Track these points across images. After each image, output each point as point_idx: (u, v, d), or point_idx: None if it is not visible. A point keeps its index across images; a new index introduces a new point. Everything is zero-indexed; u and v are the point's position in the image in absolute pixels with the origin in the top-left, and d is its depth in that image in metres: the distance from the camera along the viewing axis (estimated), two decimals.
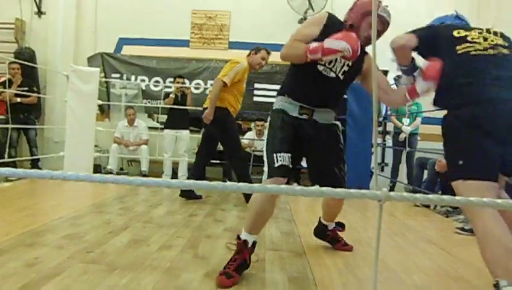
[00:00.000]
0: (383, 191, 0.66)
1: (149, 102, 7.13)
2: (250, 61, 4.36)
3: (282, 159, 2.18)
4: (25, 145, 6.32)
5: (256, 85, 7.11)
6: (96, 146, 6.25)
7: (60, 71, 6.52)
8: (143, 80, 7.17)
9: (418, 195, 0.66)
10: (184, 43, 7.39)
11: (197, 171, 4.59)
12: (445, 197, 0.67)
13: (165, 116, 6.49)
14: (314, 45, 2.12)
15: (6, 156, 5.27)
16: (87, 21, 7.48)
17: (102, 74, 6.95)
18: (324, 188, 0.67)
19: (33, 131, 6.13)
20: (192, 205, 4.15)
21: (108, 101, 7.09)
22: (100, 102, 6.21)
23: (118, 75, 7.25)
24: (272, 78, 7.09)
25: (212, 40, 7.38)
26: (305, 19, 7.27)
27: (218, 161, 6.26)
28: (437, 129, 7.32)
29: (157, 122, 7.10)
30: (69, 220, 3.17)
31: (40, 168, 6.08)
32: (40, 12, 7.42)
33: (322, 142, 2.37)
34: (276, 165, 2.17)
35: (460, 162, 1.85)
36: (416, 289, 2.16)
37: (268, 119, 2.41)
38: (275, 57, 7.11)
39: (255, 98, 7.14)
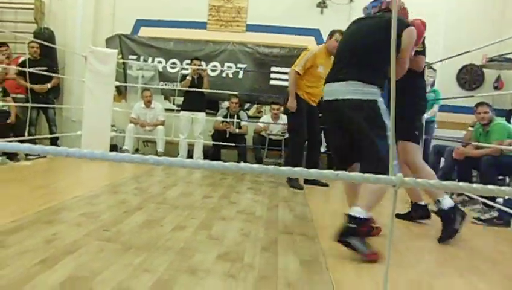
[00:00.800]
0: (398, 176, 0.65)
1: (166, 84, 7.14)
2: (327, 45, 4.59)
3: None
4: (44, 124, 6.41)
5: (273, 68, 7.05)
6: (113, 126, 6.31)
7: (78, 52, 6.56)
8: (160, 62, 7.18)
9: (433, 181, 0.65)
10: (201, 25, 7.34)
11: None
12: (461, 184, 0.66)
13: (182, 98, 6.50)
14: None
15: (26, 134, 5.36)
16: (105, 3, 7.48)
17: (120, 56, 6.97)
18: (339, 172, 0.66)
19: (52, 110, 6.21)
20: (207, 187, 4.18)
21: (125, 82, 7.13)
22: (117, 83, 6.24)
23: (135, 57, 7.26)
24: (289, 62, 7.01)
25: (229, 23, 7.32)
26: (323, 2, 7.15)
27: (233, 144, 6.29)
28: (454, 117, 7.25)
29: (174, 104, 7.13)
30: (85, 199, 3.23)
31: (58, 147, 6.15)
32: None
33: None
34: None
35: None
36: (428, 275, 2.15)
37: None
38: (292, 40, 7.15)
39: (272, 82, 7.09)
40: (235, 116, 6.49)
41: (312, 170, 0.70)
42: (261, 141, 6.50)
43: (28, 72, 5.37)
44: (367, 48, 2.47)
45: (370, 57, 2.44)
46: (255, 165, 0.71)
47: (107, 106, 5.74)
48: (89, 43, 6.68)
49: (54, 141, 6.17)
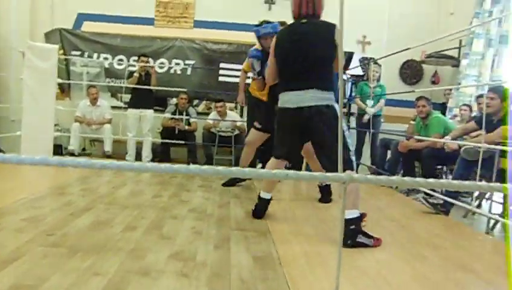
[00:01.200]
0: (347, 173, 0.67)
1: (112, 81, 6.93)
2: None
3: None
4: None
5: (222, 65, 7.02)
6: (56, 125, 6.04)
7: (15, 47, 6.20)
8: (106, 58, 6.94)
9: (381, 177, 0.67)
10: (149, 22, 7.18)
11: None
12: (406, 179, 0.69)
13: (129, 96, 6.34)
14: None
15: None
16: None
17: (61, 51, 6.67)
18: (289, 171, 0.67)
19: None
20: (157, 186, 4.10)
21: (69, 79, 6.84)
22: (60, 80, 5.96)
23: (78, 53, 6.97)
24: (237, 58, 7.02)
25: (177, 19, 7.20)
26: None
27: (182, 142, 6.21)
28: (400, 111, 7.53)
29: (121, 101, 6.92)
30: (28, 203, 3.07)
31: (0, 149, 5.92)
32: None
33: None
34: None
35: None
36: (377, 263, 2.24)
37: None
38: (241, 37, 7.15)
39: (220, 78, 7.07)
40: (184, 113, 6.41)
41: (262, 170, 0.71)
42: (211, 138, 6.46)
43: None
44: (321, 59, 2.76)
45: (324, 67, 2.77)
46: (205, 167, 0.70)
47: (49, 105, 5.45)
48: (26, 38, 6.33)
49: None
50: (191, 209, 3.23)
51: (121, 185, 4.03)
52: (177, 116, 6.36)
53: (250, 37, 7.19)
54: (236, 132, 6.54)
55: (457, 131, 4.33)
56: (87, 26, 7.13)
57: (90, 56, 6.93)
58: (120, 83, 6.71)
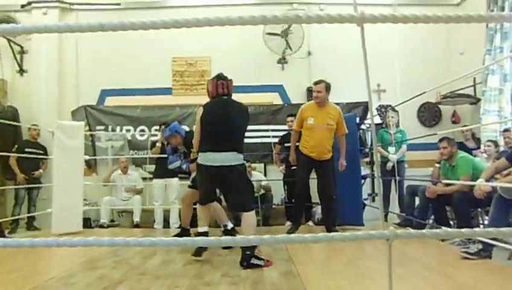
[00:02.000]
0: (390, 230, 0.68)
1: (136, 152, 7.12)
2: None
3: None
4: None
5: None
6: (84, 199, 6.17)
7: (45, 128, 6.49)
8: (128, 130, 7.20)
9: (424, 231, 0.67)
10: (167, 91, 7.48)
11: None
12: (450, 230, 0.69)
13: (153, 166, 6.47)
14: None
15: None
16: (68, 75, 7.55)
17: (87, 127, 6.95)
18: (334, 234, 0.68)
19: (36, 191, 6.56)
20: (188, 253, 4.06)
21: (95, 155, 7.06)
22: (87, 157, 6.14)
23: (102, 127, 7.27)
24: (256, 119, 7.18)
25: (194, 86, 7.49)
26: (283, 58, 7.45)
27: None
28: (422, 155, 7.42)
29: (146, 171, 7.07)
30: (61, 280, 3.09)
31: (34, 225, 6.52)
32: (22, 71, 7.47)
33: None
34: None
35: None
36: None
37: None
38: (257, 98, 7.34)
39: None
40: None
41: (307, 235, 0.72)
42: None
43: (24, 153, 6.10)
44: (237, 128, 3.64)
45: (239, 134, 3.64)
46: (226, 238, 0.72)
47: (78, 181, 5.59)
48: (54, 117, 6.65)
49: (30, 221, 6.44)
50: (224, 274, 3.19)
51: (152, 255, 4.01)
52: None
53: (266, 98, 7.43)
54: (262, 191, 6.53)
55: (488, 171, 4.12)
56: (110, 101, 7.47)
57: (113, 129, 7.20)
58: (143, 154, 6.88)
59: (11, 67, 7.42)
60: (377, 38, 6.94)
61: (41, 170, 6.63)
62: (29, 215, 6.37)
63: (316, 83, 4.87)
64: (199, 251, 4.04)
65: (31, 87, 7.39)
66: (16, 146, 6.53)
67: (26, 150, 6.35)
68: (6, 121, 5.80)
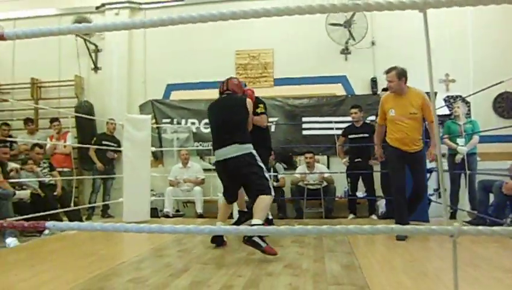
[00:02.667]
0: (455, 225, 0.64)
1: (200, 144, 7.31)
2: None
3: None
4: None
5: (304, 119, 7.13)
6: (152, 190, 6.45)
7: (116, 121, 6.88)
8: (193, 123, 7.40)
9: (496, 228, 0.62)
10: None
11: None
12: None
13: None
14: None
15: (72, 204, 5.66)
16: (137, 72, 7.91)
17: (153, 120, 7.25)
18: (394, 226, 0.66)
19: (110, 181, 7.02)
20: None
21: (161, 146, 7.34)
22: (154, 149, 6.42)
23: (168, 120, 7.53)
24: (319, 111, 7.11)
25: (257, 79, 7.54)
26: (347, 49, 7.29)
27: None
28: (498, 147, 6.97)
29: (210, 163, 7.24)
30: (132, 264, 3.26)
31: (108, 213, 6.94)
32: (96, 68, 7.94)
33: None
34: None
35: None
36: None
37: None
38: (320, 89, 7.25)
39: (304, 132, 7.16)
40: (272, 170, 6.51)
41: (366, 226, 0.70)
42: (299, 192, 6.45)
43: (101, 145, 6.57)
44: (238, 121, 3.77)
45: (238, 126, 3.76)
46: (298, 228, 0.71)
47: (146, 173, 5.86)
48: (124, 111, 6.99)
49: (105, 209, 6.86)
50: (286, 265, 3.20)
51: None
52: None
53: (329, 89, 7.32)
54: (325, 183, 6.47)
55: None
56: (175, 95, 7.73)
57: (179, 122, 7.43)
58: (207, 145, 7.05)
59: (87, 65, 7.91)
60: (447, 25, 6.59)
61: (116, 155, 7.02)
62: (103, 203, 6.80)
63: (386, 72, 4.40)
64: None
65: (104, 83, 7.84)
66: (94, 138, 6.97)
67: (103, 142, 6.75)
68: (84, 115, 6.22)
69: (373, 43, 7.28)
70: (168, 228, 0.87)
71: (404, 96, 4.30)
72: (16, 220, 3.92)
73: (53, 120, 6.95)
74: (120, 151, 6.59)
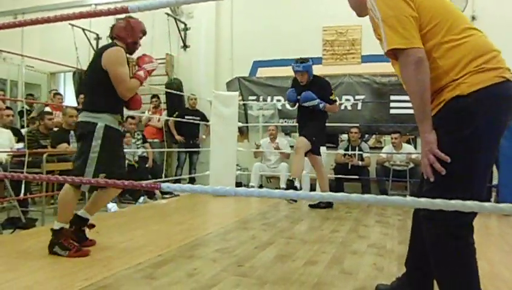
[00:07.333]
0: None
1: (285, 121, 7.33)
2: None
3: None
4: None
5: (392, 97, 6.83)
6: (237, 165, 6.63)
7: (203, 97, 7.11)
8: (279, 100, 7.42)
9: None
10: (317, 61, 7.43)
11: None
12: None
13: None
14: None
15: (163, 176, 5.98)
16: (224, 49, 8.05)
17: (240, 97, 7.37)
18: (477, 203, 0.60)
19: (196, 155, 7.28)
20: (334, 221, 4.10)
21: (247, 122, 7.47)
22: (240, 124, 6.57)
23: (254, 97, 7.62)
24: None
25: (344, 56, 7.33)
26: None
27: (356, 177, 6.15)
28: None
29: (294, 139, 7.25)
30: (218, 235, 3.39)
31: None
32: (185, 46, 8.22)
33: None
34: None
35: None
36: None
37: None
38: None
39: (392, 111, 6.86)
40: (357, 148, 6.36)
41: (454, 201, 0.64)
42: (384, 173, 6.24)
43: (184, 120, 6.76)
44: (89, 84, 2.95)
45: (92, 91, 2.90)
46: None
47: (232, 147, 6.03)
48: (212, 87, 7.19)
49: (191, 181, 7.05)
50: (370, 244, 3.14)
51: (298, 220, 4.14)
52: (349, 152, 6.34)
53: None
54: (411, 165, 6.19)
55: None
56: (261, 72, 7.76)
57: (264, 100, 7.48)
58: (293, 122, 7.04)
59: (177, 43, 8.21)
60: None
61: (203, 136, 7.27)
62: (190, 176, 7.07)
63: None
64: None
65: (192, 61, 8.10)
66: (177, 112, 7.25)
67: (186, 117, 6.98)
68: (174, 91, 6.52)
69: (473, 18, 6.71)
70: (278, 193, 0.89)
71: None
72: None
73: (154, 96, 7.43)
74: (206, 124, 6.83)
